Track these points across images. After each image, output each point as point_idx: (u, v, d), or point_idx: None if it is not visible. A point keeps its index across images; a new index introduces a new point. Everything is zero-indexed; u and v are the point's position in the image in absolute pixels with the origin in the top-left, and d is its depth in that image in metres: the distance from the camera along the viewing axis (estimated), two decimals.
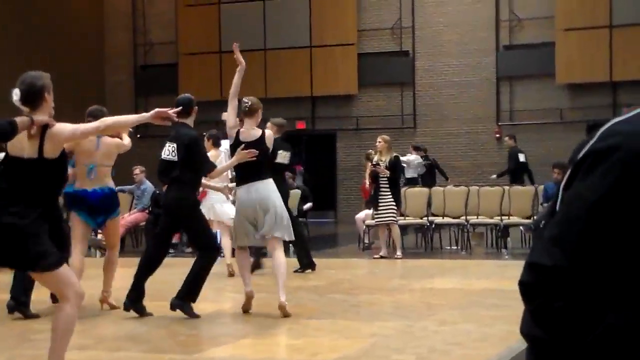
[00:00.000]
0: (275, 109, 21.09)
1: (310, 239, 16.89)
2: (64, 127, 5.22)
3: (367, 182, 15.93)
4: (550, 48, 22.28)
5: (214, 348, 6.92)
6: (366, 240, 15.26)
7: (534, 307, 1.65)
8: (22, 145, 5.16)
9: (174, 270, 9.56)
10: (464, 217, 14.79)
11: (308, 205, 16.65)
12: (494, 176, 19.59)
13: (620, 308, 1.59)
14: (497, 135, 23.26)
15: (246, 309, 8.45)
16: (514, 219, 14.50)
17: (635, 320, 1.58)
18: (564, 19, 22.07)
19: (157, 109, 5.64)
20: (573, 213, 1.62)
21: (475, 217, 14.84)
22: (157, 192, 15.96)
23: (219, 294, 9.94)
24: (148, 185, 16.00)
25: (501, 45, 23.38)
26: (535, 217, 14.16)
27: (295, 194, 15.97)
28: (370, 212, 15.16)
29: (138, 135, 13.48)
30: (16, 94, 5.23)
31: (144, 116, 5.65)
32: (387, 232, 14.09)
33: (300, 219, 16.14)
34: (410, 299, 9.52)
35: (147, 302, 8.39)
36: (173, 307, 8.09)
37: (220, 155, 11.31)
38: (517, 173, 19.36)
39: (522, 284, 1.66)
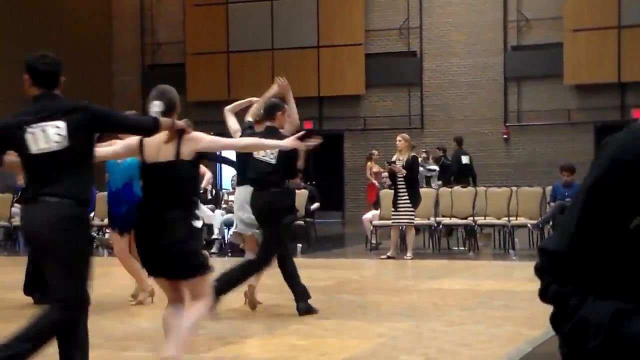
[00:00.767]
0: None
1: (318, 240, 16.92)
2: (202, 136, 5.53)
3: (385, 179, 15.87)
4: (558, 49, 22.22)
5: (221, 347, 6.91)
6: (373, 241, 15.23)
7: (541, 289, 1.78)
8: (156, 151, 5.35)
9: None
10: (471, 218, 14.77)
11: (315, 205, 16.64)
12: (439, 182, 19.35)
13: (601, 296, 1.66)
14: (505, 136, 23.24)
15: (251, 306, 8.47)
16: (521, 220, 14.46)
17: (604, 314, 1.63)
18: (572, 20, 22.01)
19: (292, 139, 6.24)
20: (574, 201, 1.75)
21: (483, 218, 14.80)
22: None
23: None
24: None
25: (509, 46, 23.34)
26: (542, 217, 14.13)
27: (302, 194, 15.97)
28: (377, 212, 15.13)
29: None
30: (158, 106, 5.41)
31: (280, 144, 6.40)
32: (398, 232, 14.04)
33: (307, 219, 16.15)
34: (418, 299, 9.51)
35: (161, 302, 8.36)
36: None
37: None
38: (459, 174, 19.61)
39: (534, 267, 1.80)
